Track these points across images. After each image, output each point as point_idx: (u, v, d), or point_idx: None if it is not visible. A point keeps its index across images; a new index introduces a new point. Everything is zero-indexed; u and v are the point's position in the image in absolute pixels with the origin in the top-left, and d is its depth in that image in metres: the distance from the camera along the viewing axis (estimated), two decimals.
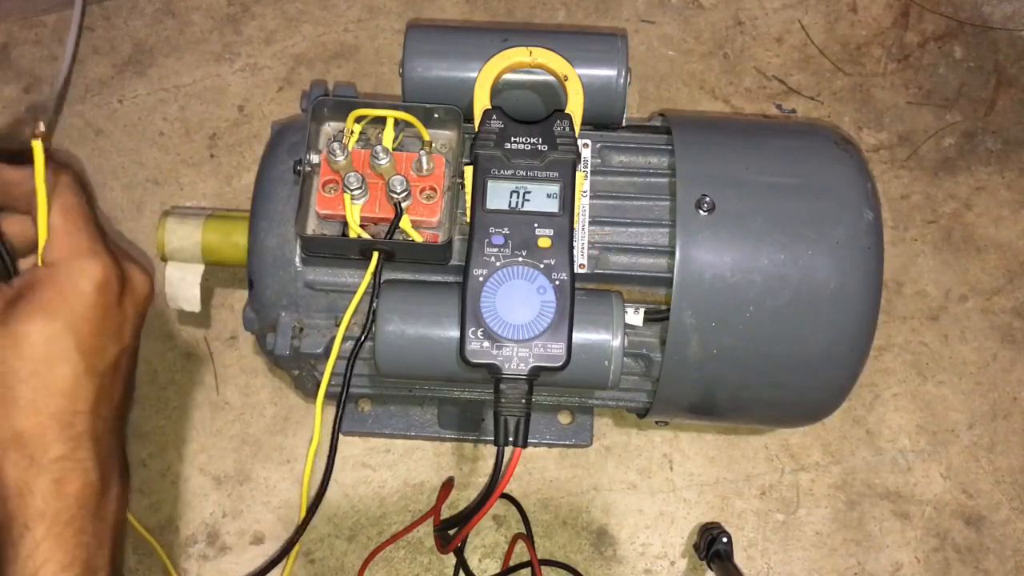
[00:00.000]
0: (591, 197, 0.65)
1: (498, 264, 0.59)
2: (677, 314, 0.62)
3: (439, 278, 0.65)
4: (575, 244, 0.62)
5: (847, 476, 0.83)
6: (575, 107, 0.63)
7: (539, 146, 0.62)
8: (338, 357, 0.68)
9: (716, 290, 0.61)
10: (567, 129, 0.62)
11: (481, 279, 0.59)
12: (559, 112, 0.63)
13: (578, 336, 0.59)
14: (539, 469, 0.83)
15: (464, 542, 0.79)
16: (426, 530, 0.80)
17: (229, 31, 0.95)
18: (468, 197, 0.61)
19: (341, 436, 0.82)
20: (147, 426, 0.84)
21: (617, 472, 0.83)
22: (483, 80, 0.64)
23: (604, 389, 0.63)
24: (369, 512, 0.81)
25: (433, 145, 0.64)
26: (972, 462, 0.84)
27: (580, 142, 0.64)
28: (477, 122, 0.63)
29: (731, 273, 0.61)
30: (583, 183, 0.64)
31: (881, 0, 0.97)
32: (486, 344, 0.58)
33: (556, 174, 0.61)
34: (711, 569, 0.78)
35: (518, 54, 0.64)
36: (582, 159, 0.65)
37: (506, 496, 0.81)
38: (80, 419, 0.52)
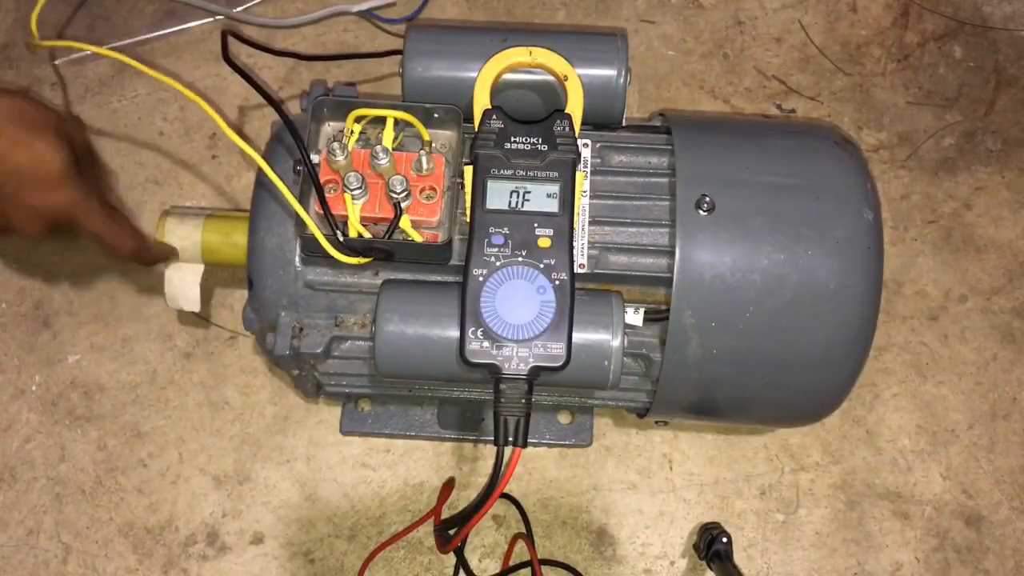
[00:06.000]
0: (591, 197, 0.65)
1: (498, 264, 0.59)
2: (677, 314, 0.61)
3: (439, 278, 0.65)
4: (575, 244, 0.62)
5: (847, 476, 0.83)
6: (575, 107, 0.63)
7: (539, 146, 0.62)
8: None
9: (716, 290, 0.61)
10: (567, 129, 0.62)
11: (481, 279, 0.59)
12: (559, 112, 0.63)
13: (578, 336, 0.59)
14: (539, 469, 0.83)
15: (464, 542, 0.79)
16: (426, 530, 0.80)
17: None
18: (468, 197, 0.61)
19: (341, 436, 0.82)
20: (147, 426, 0.84)
21: (617, 472, 0.83)
22: (483, 80, 0.64)
23: (604, 389, 0.63)
24: (369, 512, 0.81)
25: (433, 145, 0.64)
26: (972, 462, 0.84)
27: (580, 142, 0.64)
28: (477, 122, 0.63)
29: (731, 273, 0.61)
30: (583, 183, 0.64)
31: (881, 0, 0.97)
32: (486, 344, 0.58)
33: (556, 174, 0.61)
34: (711, 569, 0.78)
35: (518, 54, 0.64)
36: (582, 159, 0.65)
37: (506, 496, 0.81)
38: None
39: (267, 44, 0.83)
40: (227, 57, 0.65)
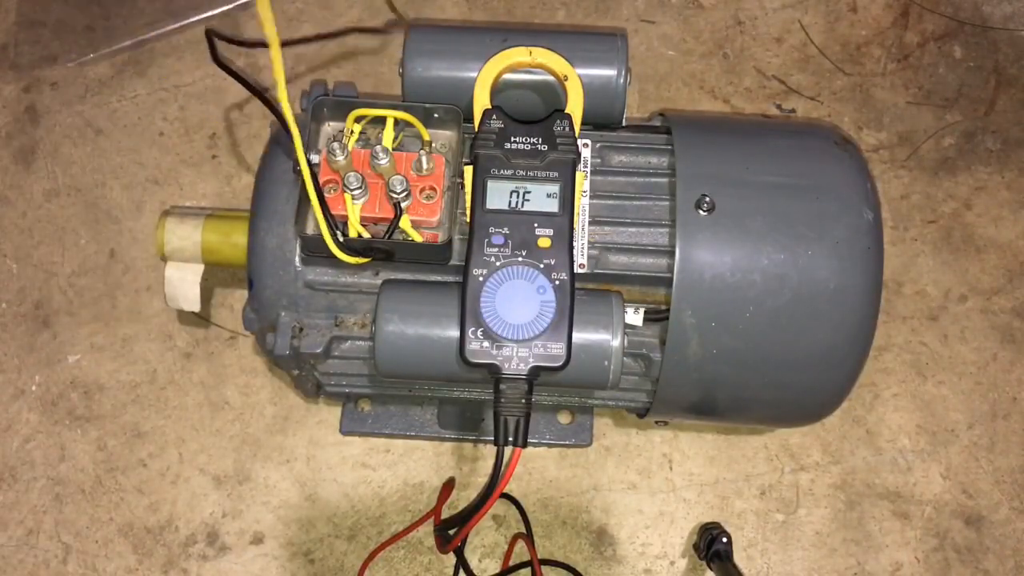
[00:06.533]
0: (591, 197, 0.65)
1: (498, 264, 0.59)
2: (677, 314, 0.61)
3: (439, 278, 0.65)
4: (575, 244, 0.62)
5: (847, 476, 0.83)
6: (575, 107, 0.63)
7: (539, 146, 0.62)
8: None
9: (716, 290, 0.61)
10: (567, 129, 0.62)
11: (481, 279, 0.59)
12: (559, 112, 0.63)
13: (578, 336, 0.59)
14: (539, 469, 0.83)
15: (464, 542, 0.79)
16: (426, 530, 0.80)
17: (228, 30, 0.95)
18: (468, 197, 0.61)
19: (341, 436, 0.82)
20: (147, 426, 0.84)
21: (617, 472, 0.83)
22: (483, 80, 0.64)
23: (604, 389, 0.63)
24: (369, 512, 0.81)
25: (433, 145, 0.64)
26: (972, 462, 0.84)
27: (580, 142, 0.64)
28: (477, 122, 0.63)
29: (731, 273, 0.61)
30: (583, 183, 0.64)
31: (881, 0, 0.97)
32: (486, 344, 0.58)
33: (556, 174, 0.61)
34: (711, 569, 0.78)
35: (518, 54, 0.64)
36: (582, 159, 0.65)
37: (506, 496, 0.81)
38: None
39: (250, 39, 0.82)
40: (216, 58, 0.65)
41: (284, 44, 0.87)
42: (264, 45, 0.67)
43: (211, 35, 0.65)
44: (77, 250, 0.89)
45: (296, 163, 0.64)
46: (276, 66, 0.56)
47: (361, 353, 0.68)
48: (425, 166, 0.62)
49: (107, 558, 0.81)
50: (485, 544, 0.81)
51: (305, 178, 0.59)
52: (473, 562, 0.80)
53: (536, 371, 0.58)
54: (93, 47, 0.94)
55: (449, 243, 0.62)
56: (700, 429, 0.84)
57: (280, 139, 0.67)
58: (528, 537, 0.79)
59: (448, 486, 0.80)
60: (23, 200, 0.90)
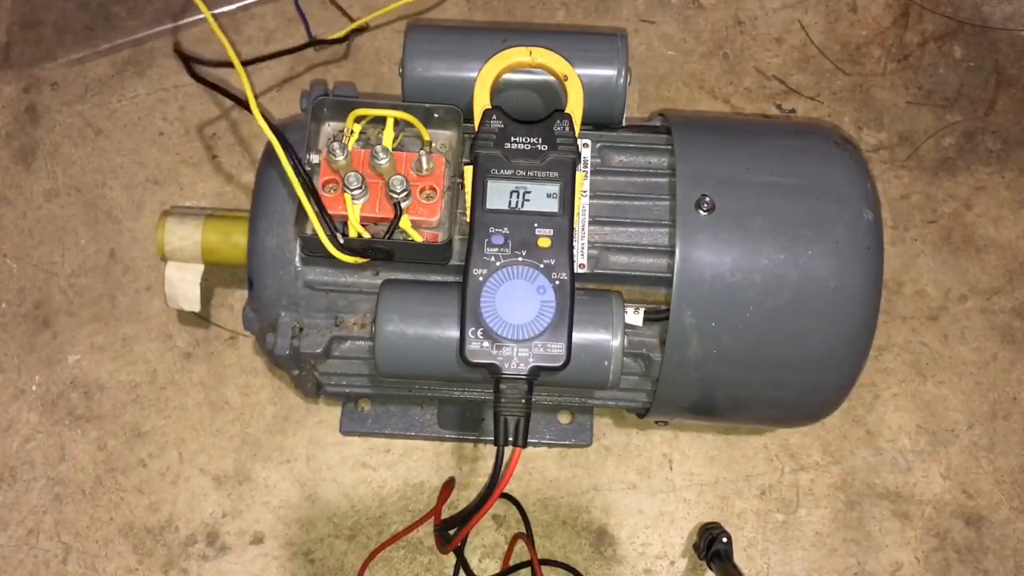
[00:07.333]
0: (591, 197, 0.65)
1: (498, 264, 0.59)
2: (677, 314, 0.62)
3: (439, 278, 0.65)
4: (575, 244, 0.62)
5: (847, 476, 0.83)
6: (575, 107, 0.63)
7: (539, 146, 0.62)
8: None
9: (716, 290, 0.61)
10: (567, 129, 0.62)
11: (481, 279, 0.59)
12: (559, 112, 0.63)
13: (578, 336, 0.59)
14: (539, 469, 0.83)
15: (464, 542, 0.79)
16: (426, 530, 0.80)
17: (229, 31, 0.95)
18: (468, 197, 0.61)
19: (341, 436, 0.82)
20: (147, 426, 0.84)
21: (617, 472, 0.83)
22: (483, 80, 0.64)
23: (604, 389, 0.63)
24: (369, 512, 0.81)
25: (433, 145, 0.64)
26: (972, 462, 0.84)
27: (580, 142, 0.64)
28: (477, 122, 0.63)
29: (731, 273, 0.61)
30: (583, 183, 0.64)
31: (881, 0, 0.97)
32: (486, 344, 0.58)
33: (556, 174, 0.61)
34: (711, 569, 0.78)
35: (518, 54, 0.64)
36: (582, 159, 0.65)
37: (506, 496, 0.81)
38: None
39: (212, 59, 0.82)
40: (191, 72, 0.65)
41: (245, 63, 0.87)
42: (228, 64, 0.67)
43: (183, 54, 0.65)
44: (77, 250, 0.89)
45: (294, 165, 0.63)
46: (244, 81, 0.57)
47: (361, 353, 0.68)
48: (425, 166, 0.62)
49: (107, 558, 0.81)
50: (485, 544, 0.81)
51: (293, 182, 0.59)
52: (473, 562, 0.80)
53: (536, 371, 0.58)
54: (93, 47, 0.94)
55: (449, 243, 0.62)
56: (700, 429, 0.84)
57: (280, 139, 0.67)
58: (528, 537, 0.79)
59: (448, 486, 0.80)
60: (23, 200, 0.90)
